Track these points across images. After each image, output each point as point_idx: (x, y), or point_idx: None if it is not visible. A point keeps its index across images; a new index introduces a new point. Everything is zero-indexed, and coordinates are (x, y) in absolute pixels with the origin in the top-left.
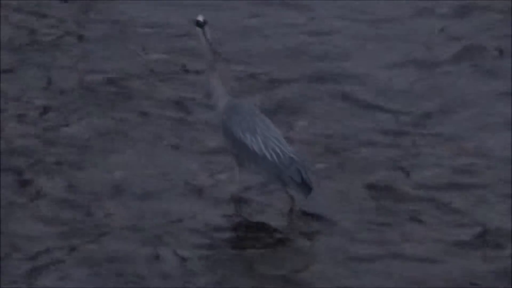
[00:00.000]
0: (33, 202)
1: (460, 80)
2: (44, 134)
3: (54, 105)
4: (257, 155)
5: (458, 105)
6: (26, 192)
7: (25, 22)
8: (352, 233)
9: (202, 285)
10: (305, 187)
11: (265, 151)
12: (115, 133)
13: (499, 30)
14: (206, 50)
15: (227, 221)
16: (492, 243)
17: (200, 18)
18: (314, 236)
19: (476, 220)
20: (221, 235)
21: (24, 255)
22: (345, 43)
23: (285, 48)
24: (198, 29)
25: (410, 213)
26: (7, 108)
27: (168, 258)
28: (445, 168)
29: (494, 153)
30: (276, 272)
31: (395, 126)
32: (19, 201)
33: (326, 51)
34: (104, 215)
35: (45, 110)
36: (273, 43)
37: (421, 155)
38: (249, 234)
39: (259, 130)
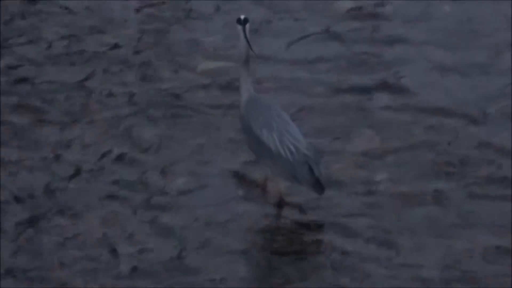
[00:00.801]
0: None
1: None
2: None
3: (119, 116)
4: (272, 152)
5: None
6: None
7: (94, 30)
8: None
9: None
10: (318, 185)
11: (280, 148)
12: (177, 142)
13: None
14: (242, 47)
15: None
16: None
17: (242, 16)
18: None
19: None
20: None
21: None
22: (411, 53)
23: (350, 56)
24: (239, 26)
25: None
26: (69, 121)
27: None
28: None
29: None
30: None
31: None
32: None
33: (391, 61)
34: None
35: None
36: (338, 51)
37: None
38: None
39: (275, 125)
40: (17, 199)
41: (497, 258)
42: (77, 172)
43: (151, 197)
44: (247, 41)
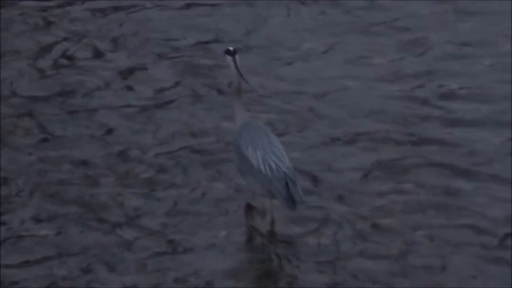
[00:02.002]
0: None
1: None
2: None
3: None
4: (254, 168)
5: None
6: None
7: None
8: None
9: None
10: (290, 201)
11: (261, 165)
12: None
13: None
14: (234, 77)
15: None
16: None
17: (231, 48)
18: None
19: None
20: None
21: None
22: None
23: (390, 109)
24: (228, 57)
25: None
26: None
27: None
28: None
29: None
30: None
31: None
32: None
33: (432, 116)
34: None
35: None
36: (377, 104)
37: None
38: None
39: (261, 145)
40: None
41: None
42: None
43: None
44: (239, 72)
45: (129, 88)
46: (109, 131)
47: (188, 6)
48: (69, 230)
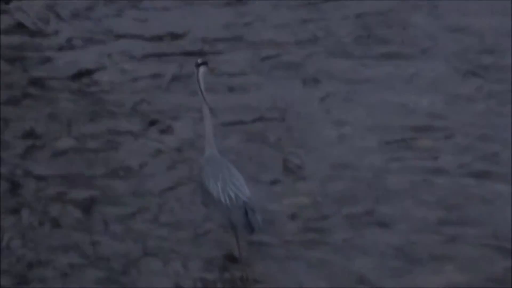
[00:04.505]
0: None
1: None
2: None
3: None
4: (214, 198)
5: None
6: None
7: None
8: None
9: None
10: (248, 227)
11: (221, 195)
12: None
13: None
14: (198, 88)
15: None
16: None
17: (200, 60)
18: None
19: None
20: None
21: None
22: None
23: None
24: (195, 68)
25: None
26: None
27: None
28: None
29: None
30: None
31: None
32: None
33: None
34: None
35: None
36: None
37: None
38: None
39: (221, 176)
40: None
41: None
42: None
43: None
44: (198, 84)
45: None
46: None
47: None
48: None
